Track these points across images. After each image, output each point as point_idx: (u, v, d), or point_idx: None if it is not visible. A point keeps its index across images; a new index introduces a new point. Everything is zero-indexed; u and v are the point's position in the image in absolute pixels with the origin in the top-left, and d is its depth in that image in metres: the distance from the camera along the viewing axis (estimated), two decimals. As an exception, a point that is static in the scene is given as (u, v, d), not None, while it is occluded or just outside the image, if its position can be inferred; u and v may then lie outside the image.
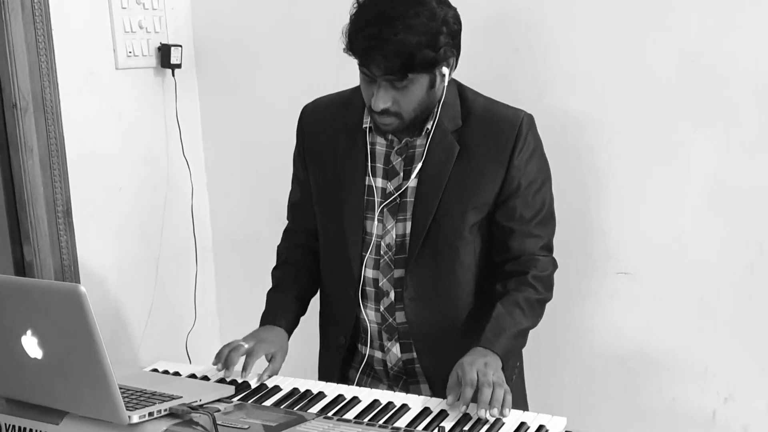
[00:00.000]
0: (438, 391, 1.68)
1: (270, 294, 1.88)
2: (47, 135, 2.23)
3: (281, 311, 1.83)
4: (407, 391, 1.75)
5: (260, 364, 1.72)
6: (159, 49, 2.59)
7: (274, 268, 1.92)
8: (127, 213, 2.54)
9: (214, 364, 1.70)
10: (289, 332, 1.82)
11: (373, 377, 1.85)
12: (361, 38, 1.56)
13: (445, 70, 1.63)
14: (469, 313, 1.75)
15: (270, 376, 1.69)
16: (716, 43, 2.00)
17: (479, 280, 1.75)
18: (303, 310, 1.88)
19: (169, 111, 2.64)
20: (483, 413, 1.44)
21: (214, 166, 2.80)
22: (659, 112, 2.09)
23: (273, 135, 2.68)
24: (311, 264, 1.88)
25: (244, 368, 1.67)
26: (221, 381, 1.69)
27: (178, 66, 2.61)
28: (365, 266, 1.76)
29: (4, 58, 2.16)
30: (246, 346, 1.70)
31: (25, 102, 2.18)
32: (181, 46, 2.61)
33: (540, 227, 1.73)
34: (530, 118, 1.72)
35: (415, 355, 1.77)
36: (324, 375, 1.88)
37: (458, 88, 1.74)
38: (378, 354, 1.81)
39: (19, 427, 1.50)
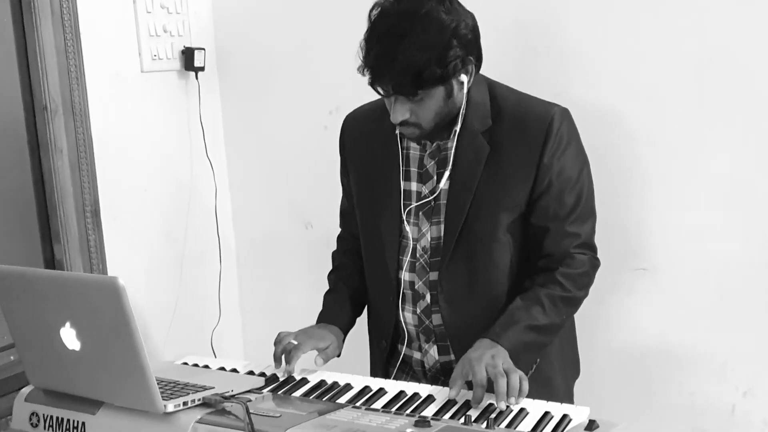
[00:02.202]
0: None
1: (325, 296, 1.92)
2: (76, 136, 2.29)
3: (336, 310, 1.86)
4: None
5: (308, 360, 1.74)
6: (183, 52, 2.63)
7: (329, 273, 1.96)
8: (153, 213, 2.59)
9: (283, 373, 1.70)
10: (345, 330, 1.85)
11: (411, 376, 1.85)
12: (371, 57, 1.57)
13: (464, 77, 1.62)
14: None
15: (321, 364, 1.71)
16: (733, 42, 2.02)
17: (515, 281, 1.73)
18: (358, 310, 1.91)
19: (193, 113, 2.68)
20: (503, 405, 1.45)
21: (237, 167, 2.84)
22: (678, 110, 2.11)
23: (294, 136, 2.72)
24: (362, 267, 1.90)
25: (288, 361, 1.68)
26: (250, 373, 1.73)
27: (202, 69, 2.65)
28: (403, 269, 1.77)
29: (34, 61, 2.22)
30: (295, 342, 1.71)
31: (55, 104, 2.24)
32: (204, 49, 2.66)
33: (576, 225, 1.69)
34: (563, 112, 1.69)
35: (452, 356, 1.77)
36: (373, 377, 1.88)
37: (489, 86, 1.72)
38: (417, 355, 1.82)
39: (57, 417, 1.54)
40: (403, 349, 1.84)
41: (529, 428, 1.40)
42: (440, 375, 1.81)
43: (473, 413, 1.45)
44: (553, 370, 1.79)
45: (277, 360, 1.72)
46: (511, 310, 1.65)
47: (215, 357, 2.65)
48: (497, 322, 1.63)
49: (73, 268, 2.30)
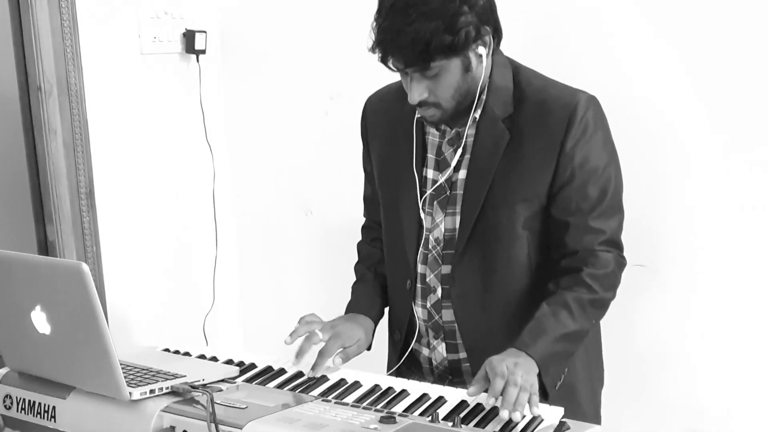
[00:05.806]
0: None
1: (354, 286, 1.85)
2: (71, 118, 2.29)
3: (366, 300, 1.81)
4: None
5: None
6: (184, 34, 2.62)
7: (356, 264, 1.90)
8: (150, 196, 2.59)
9: (288, 343, 1.63)
10: (375, 320, 1.79)
11: (418, 374, 1.77)
12: (378, 33, 1.51)
13: (482, 49, 1.53)
14: (522, 313, 1.61)
15: (339, 365, 1.64)
16: (738, 40, 1.97)
17: (534, 278, 1.64)
18: (387, 301, 1.84)
19: (193, 96, 2.67)
20: (505, 414, 1.35)
21: (238, 151, 2.83)
22: (679, 106, 2.07)
23: (296, 121, 2.70)
24: None
25: (314, 367, 1.60)
26: (228, 362, 1.72)
27: (203, 52, 2.64)
28: (417, 260, 1.70)
29: (29, 42, 2.22)
30: (321, 337, 1.64)
31: (50, 85, 2.23)
32: (205, 32, 2.64)
33: (600, 220, 1.59)
34: (589, 99, 1.58)
35: (460, 355, 1.70)
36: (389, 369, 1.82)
37: (514, 70, 1.62)
38: (425, 351, 1.76)
39: (29, 401, 1.54)
40: (413, 344, 1.76)
41: (498, 428, 1.37)
42: (447, 374, 1.74)
43: (443, 411, 1.42)
44: (576, 375, 1.68)
45: (302, 354, 1.63)
46: (538, 318, 1.54)
47: (207, 343, 2.65)
48: (525, 331, 1.53)
49: (66, 249, 2.31)
